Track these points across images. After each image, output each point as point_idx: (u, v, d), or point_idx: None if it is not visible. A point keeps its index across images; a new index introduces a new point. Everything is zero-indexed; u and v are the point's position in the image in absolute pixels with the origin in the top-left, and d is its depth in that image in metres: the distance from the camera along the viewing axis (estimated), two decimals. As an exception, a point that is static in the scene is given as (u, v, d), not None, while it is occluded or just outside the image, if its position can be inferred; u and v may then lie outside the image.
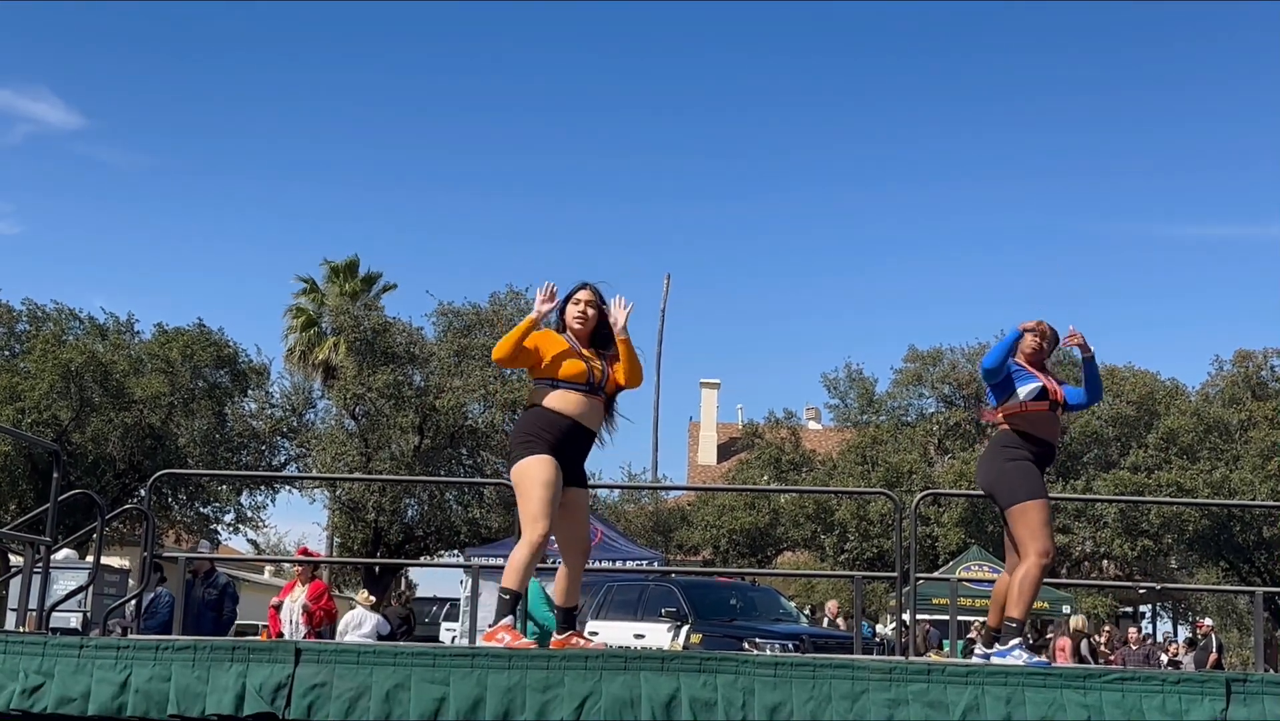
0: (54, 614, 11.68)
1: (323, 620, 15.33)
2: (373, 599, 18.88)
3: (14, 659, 5.76)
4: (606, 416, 6.48)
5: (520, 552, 6.12)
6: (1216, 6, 70.09)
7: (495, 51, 78.14)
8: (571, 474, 6.24)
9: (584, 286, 6.44)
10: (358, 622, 17.28)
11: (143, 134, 75.43)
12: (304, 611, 14.80)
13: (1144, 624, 37.77)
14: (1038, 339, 7.25)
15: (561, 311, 6.43)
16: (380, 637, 16.52)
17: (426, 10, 76.44)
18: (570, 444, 6.20)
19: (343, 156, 78.39)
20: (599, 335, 6.41)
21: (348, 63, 76.28)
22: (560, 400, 6.20)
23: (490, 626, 6.24)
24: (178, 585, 11.26)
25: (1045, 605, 26.11)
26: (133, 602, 12.20)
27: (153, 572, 14.43)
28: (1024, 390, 7.03)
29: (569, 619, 6.49)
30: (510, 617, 6.16)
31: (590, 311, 6.37)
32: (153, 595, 13.31)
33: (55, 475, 8.11)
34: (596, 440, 6.44)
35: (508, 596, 6.15)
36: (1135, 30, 71.55)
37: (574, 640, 6.35)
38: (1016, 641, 6.74)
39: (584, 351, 6.31)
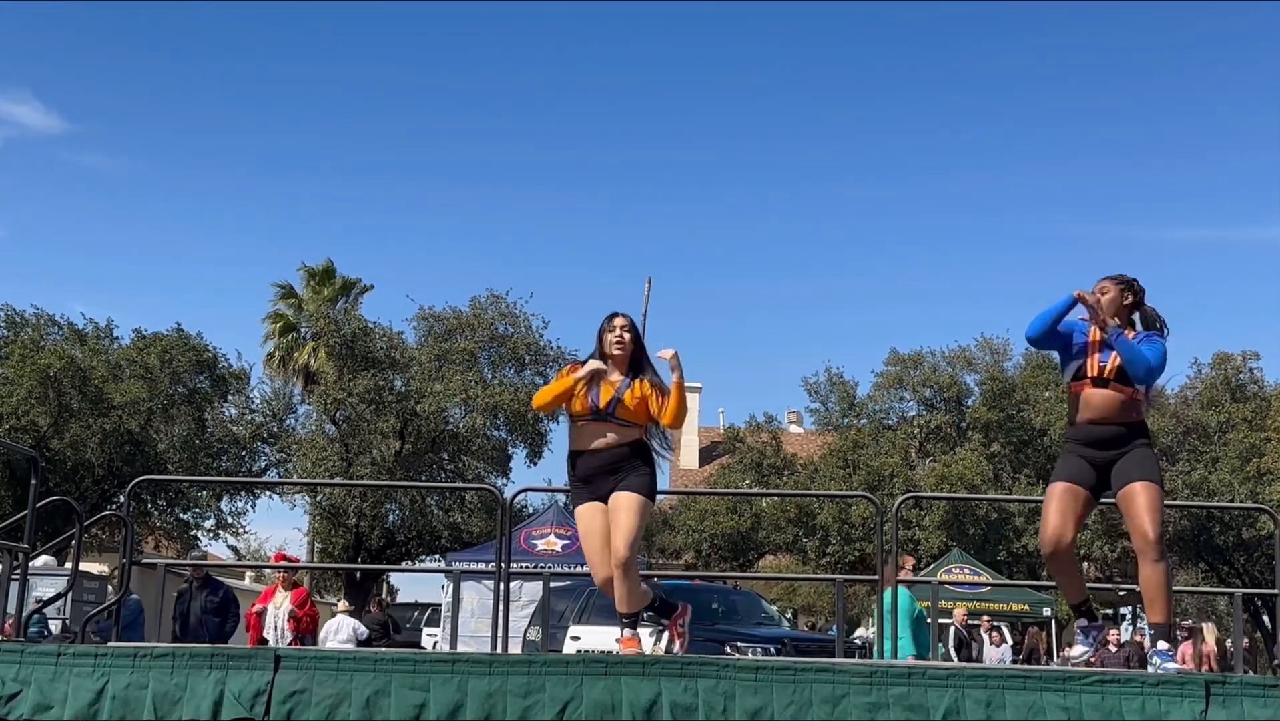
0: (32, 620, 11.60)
1: (309, 626, 15.37)
2: (352, 606, 18.93)
3: (-9, 666, 5.73)
4: (660, 435, 6.74)
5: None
6: (1199, 7, 70.52)
7: (474, 52, 78.16)
8: (617, 478, 6.52)
9: (619, 315, 6.71)
10: (336, 628, 17.30)
11: (123, 139, 75.24)
12: (290, 618, 14.82)
13: (1124, 625, 37.90)
14: (1118, 291, 6.61)
15: (599, 338, 6.69)
16: (359, 644, 16.53)
17: (400, 12, 76.40)
18: (589, 469, 6.56)
19: (323, 160, 78.25)
20: (633, 361, 6.65)
21: (327, 64, 76.17)
22: (573, 438, 6.66)
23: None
24: (156, 591, 11.20)
25: (1026, 607, 26.18)
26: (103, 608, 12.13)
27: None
28: (1068, 370, 6.63)
29: (621, 622, 6.63)
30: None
31: (627, 336, 6.63)
32: (61, 595, 13.27)
33: (33, 481, 8.05)
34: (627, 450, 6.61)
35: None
36: (1115, 30, 71.96)
37: (627, 645, 6.46)
38: (1083, 622, 6.72)
39: (604, 381, 6.56)
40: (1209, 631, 22.59)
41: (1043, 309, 6.57)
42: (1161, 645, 6.43)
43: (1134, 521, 6.44)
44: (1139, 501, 6.43)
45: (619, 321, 6.63)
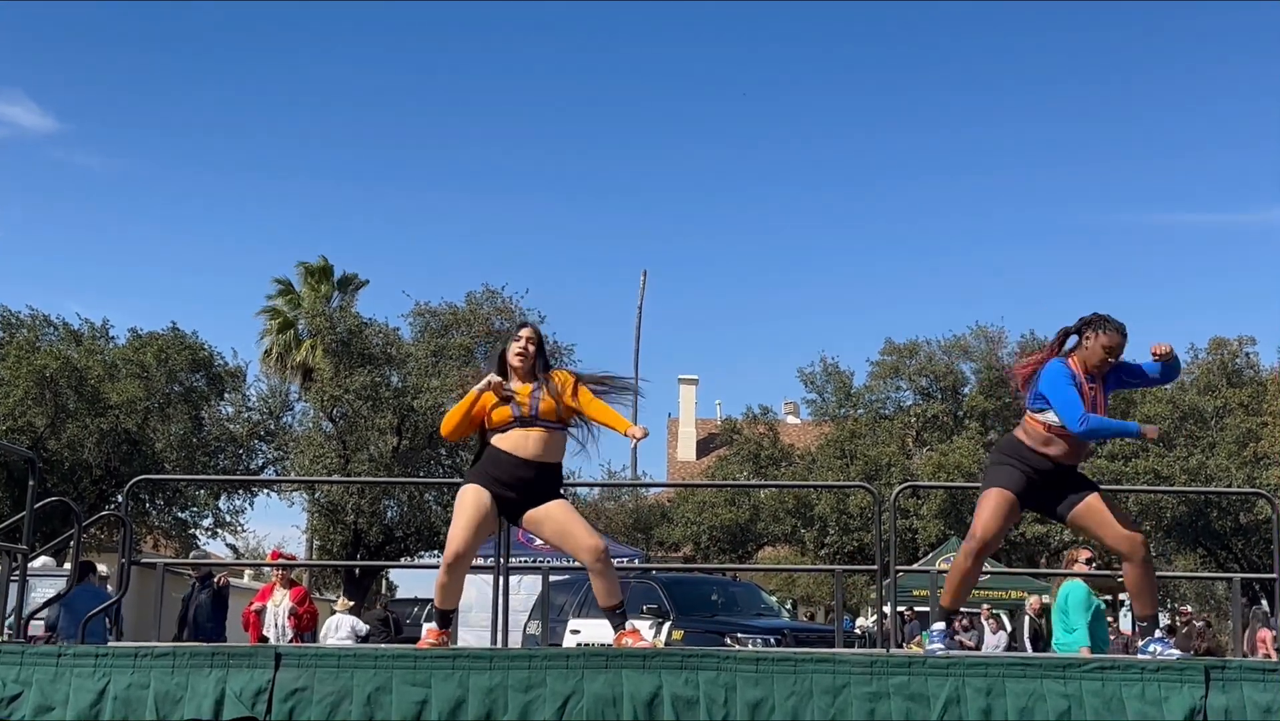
0: (30, 622, 11.58)
1: (309, 624, 15.40)
2: (350, 602, 18.98)
3: (-8, 668, 5.73)
4: (586, 428, 6.85)
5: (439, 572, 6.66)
6: (1189, 7, 70.52)
7: (467, 47, 78.03)
8: (536, 496, 6.59)
9: (525, 325, 6.93)
10: (335, 626, 17.35)
11: (117, 137, 75.03)
12: (291, 615, 14.85)
13: (1122, 612, 38.04)
14: (1105, 351, 6.60)
15: (502, 355, 6.83)
16: (358, 640, 16.58)
17: (396, 8, 76.26)
18: (514, 474, 6.57)
19: (318, 156, 78.15)
20: (532, 371, 6.78)
21: (321, 62, 76.03)
22: (498, 439, 6.66)
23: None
24: (154, 590, 11.19)
25: (1024, 594, 26.21)
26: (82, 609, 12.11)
27: (84, 574, 14.42)
28: (1054, 415, 6.54)
29: (612, 619, 6.64)
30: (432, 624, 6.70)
31: (530, 348, 6.79)
32: (65, 595, 13.26)
33: (31, 482, 8.05)
34: (560, 454, 6.77)
35: (434, 609, 6.70)
36: (1105, 25, 71.91)
37: (622, 639, 6.44)
38: (938, 627, 6.67)
39: (515, 389, 6.67)
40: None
41: (1107, 422, 6.63)
42: (1159, 633, 6.54)
43: (1115, 529, 6.52)
44: (1110, 509, 6.55)
45: (525, 333, 6.82)
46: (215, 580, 15.07)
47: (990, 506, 6.56)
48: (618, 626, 6.57)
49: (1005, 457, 6.70)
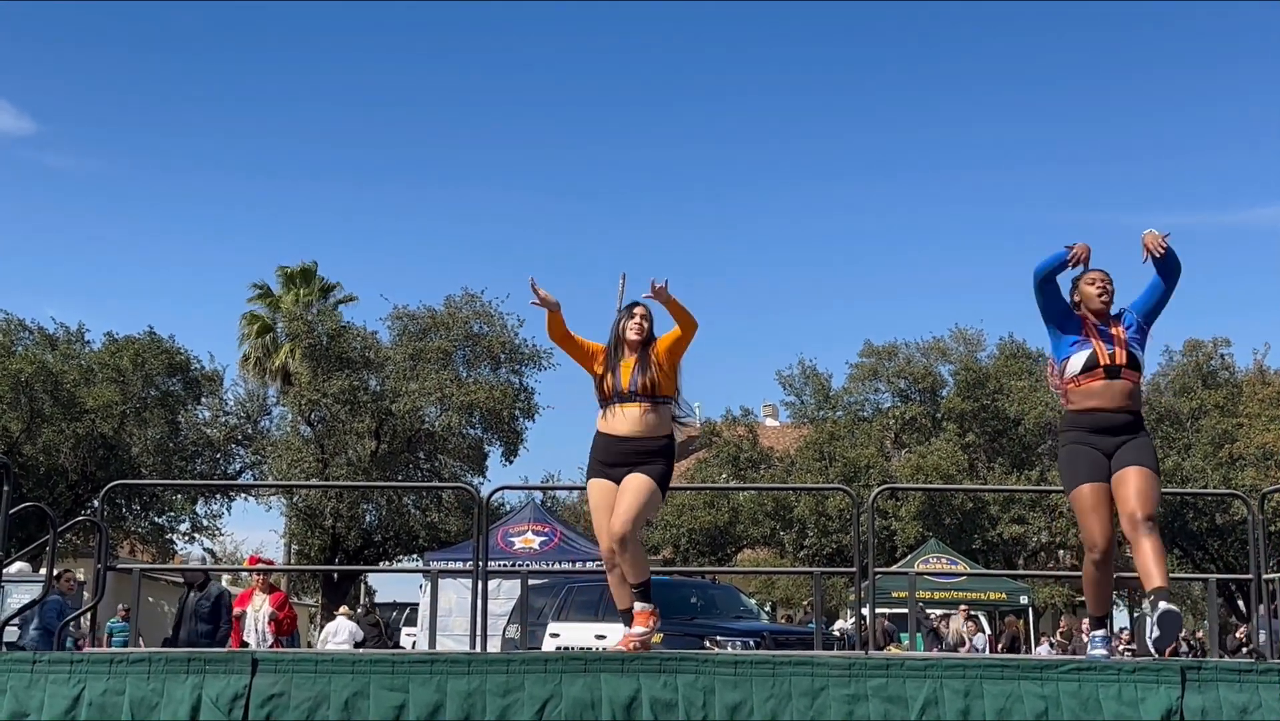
0: (6, 628, 11.53)
1: (289, 629, 15.31)
2: (355, 611, 19.06)
3: (-34, 675, 5.68)
4: (678, 403, 6.94)
5: None
6: (1151, 8, 70.88)
7: (446, 51, 77.91)
8: (636, 467, 6.69)
9: (638, 304, 6.98)
10: (335, 630, 17.35)
11: (94, 139, 74.66)
12: (271, 620, 14.76)
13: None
14: (1100, 286, 6.56)
15: (618, 324, 6.95)
16: (356, 645, 16.59)
17: (375, 11, 76.10)
18: (610, 450, 6.76)
19: (296, 162, 77.89)
20: (645, 344, 6.92)
21: (301, 65, 75.82)
22: (601, 422, 6.84)
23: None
24: (132, 596, 11.13)
25: (1003, 595, 26.31)
26: (79, 615, 12.03)
27: (53, 581, 14.31)
28: (1073, 362, 6.51)
29: (626, 619, 6.72)
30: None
31: (645, 325, 6.93)
32: (38, 601, 13.21)
33: (5, 487, 7.99)
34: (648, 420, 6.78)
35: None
36: (1082, 17, 72.26)
37: (625, 642, 6.47)
38: (1099, 634, 6.51)
39: (621, 363, 6.83)
40: None
41: (1047, 256, 6.51)
42: (1101, 633, 6.48)
43: (1123, 504, 6.33)
44: (1133, 484, 6.33)
45: (639, 310, 6.91)
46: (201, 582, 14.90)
47: (1081, 511, 6.43)
48: (635, 602, 6.70)
49: (1064, 437, 6.61)
